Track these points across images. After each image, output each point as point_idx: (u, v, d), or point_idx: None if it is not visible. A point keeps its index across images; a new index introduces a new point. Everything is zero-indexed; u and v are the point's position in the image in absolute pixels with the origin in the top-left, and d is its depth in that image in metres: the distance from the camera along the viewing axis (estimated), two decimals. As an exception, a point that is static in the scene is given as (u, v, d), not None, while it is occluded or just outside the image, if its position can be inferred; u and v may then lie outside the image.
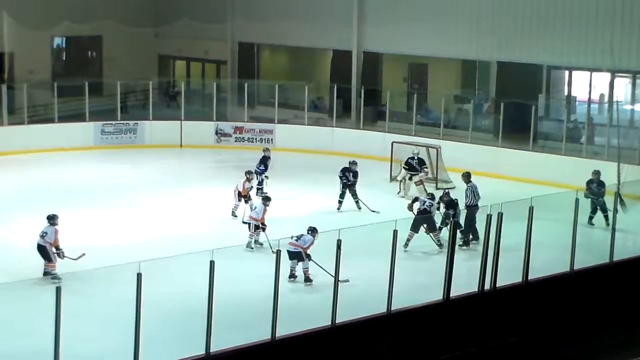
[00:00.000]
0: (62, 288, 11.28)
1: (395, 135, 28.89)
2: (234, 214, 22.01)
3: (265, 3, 36.94)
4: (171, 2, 39.87)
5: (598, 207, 21.25)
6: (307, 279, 16.92)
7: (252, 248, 19.45)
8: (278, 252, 13.16)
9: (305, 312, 14.87)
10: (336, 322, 13.71)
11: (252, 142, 32.62)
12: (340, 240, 13.54)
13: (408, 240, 18.95)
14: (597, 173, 21.81)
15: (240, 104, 34.58)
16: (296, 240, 17.10)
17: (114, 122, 32.23)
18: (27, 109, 31.17)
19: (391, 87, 33.53)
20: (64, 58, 39.86)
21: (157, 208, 23.23)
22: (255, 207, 20.18)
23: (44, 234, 17.50)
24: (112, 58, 38.07)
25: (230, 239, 19.40)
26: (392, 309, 14.29)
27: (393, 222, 14.46)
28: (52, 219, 17.71)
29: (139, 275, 11.85)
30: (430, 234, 19.54)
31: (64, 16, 36.26)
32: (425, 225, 19.48)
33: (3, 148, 29.00)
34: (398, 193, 25.27)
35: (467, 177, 20.90)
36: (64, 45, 39.31)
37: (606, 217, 20.81)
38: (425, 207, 19.80)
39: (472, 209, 19.72)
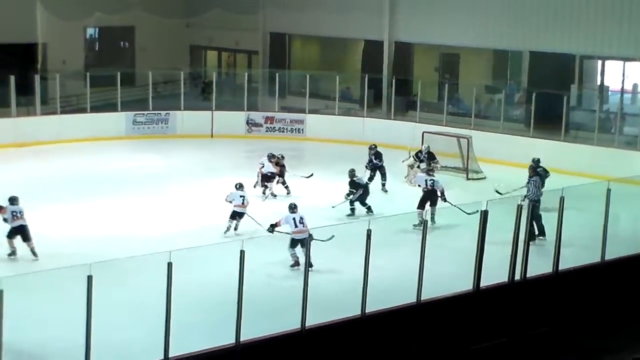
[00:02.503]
0: (94, 278, 11.35)
1: (426, 126, 28.80)
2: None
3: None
4: (203, -8, 40.00)
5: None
6: (311, 264, 15.82)
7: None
8: (308, 240, 13.14)
9: (335, 302, 14.85)
10: (366, 311, 13.71)
11: (282, 132, 32.65)
12: (370, 230, 13.53)
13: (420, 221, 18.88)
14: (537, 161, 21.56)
15: (271, 94, 34.60)
16: (302, 225, 17.15)
17: (145, 112, 32.39)
18: (59, 99, 31.43)
19: (422, 77, 33.40)
20: (97, 48, 40.08)
21: (188, 198, 23.30)
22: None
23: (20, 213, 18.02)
24: (144, 48, 38.24)
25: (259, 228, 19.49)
26: (421, 298, 14.28)
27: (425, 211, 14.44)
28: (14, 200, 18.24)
29: (169, 265, 11.90)
30: (431, 207, 20.40)
31: (97, 7, 36.46)
32: (430, 201, 20.46)
33: (36, 138, 29.25)
34: (405, 177, 25.42)
35: (532, 169, 20.37)
36: (96, 36, 39.54)
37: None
38: (430, 186, 20.62)
39: (534, 203, 18.56)
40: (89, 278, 11.38)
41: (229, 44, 39.68)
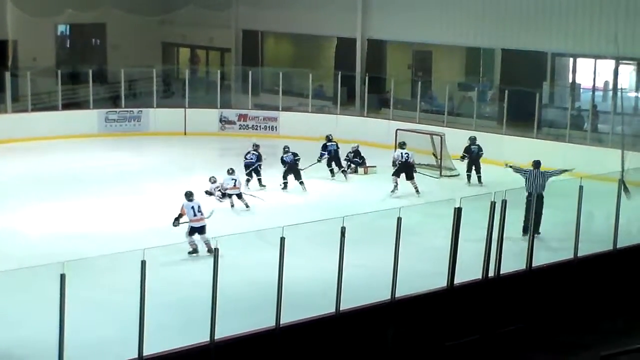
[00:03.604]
0: (67, 275, 11.31)
1: (400, 123, 28.89)
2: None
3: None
4: (175, -11, 39.84)
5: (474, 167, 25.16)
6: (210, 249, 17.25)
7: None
8: (282, 240, 13.14)
9: (310, 299, 14.87)
10: (340, 309, 13.74)
11: (256, 129, 32.66)
12: (344, 227, 13.55)
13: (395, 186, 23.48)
14: (473, 139, 25.46)
15: (244, 92, 34.55)
16: (200, 214, 18.22)
17: (118, 110, 32.34)
18: (30, 96, 31.29)
19: (395, 74, 33.52)
20: (68, 45, 39.84)
21: (161, 196, 23.24)
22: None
23: None
24: (116, 45, 38.06)
25: (233, 227, 19.48)
26: (396, 296, 14.32)
27: (397, 209, 14.46)
28: None
29: (143, 263, 11.87)
30: (409, 181, 23.53)
31: (68, 4, 36.18)
32: (405, 174, 23.50)
33: (7, 136, 29.09)
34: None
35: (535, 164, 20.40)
36: (67, 33, 39.30)
37: (479, 177, 25.21)
38: (405, 158, 23.57)
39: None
40: (62, 277, 11.34)
41: (201, 41, 39.57)
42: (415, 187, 23.64)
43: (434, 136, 27.11)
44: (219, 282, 12.49)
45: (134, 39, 37.78)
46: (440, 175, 26.11)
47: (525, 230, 18.15)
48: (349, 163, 26.63)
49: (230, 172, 22.25)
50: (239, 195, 22.15)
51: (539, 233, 18.52)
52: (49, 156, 27.83)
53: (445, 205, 16.23)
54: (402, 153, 23.90)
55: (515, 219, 17.95)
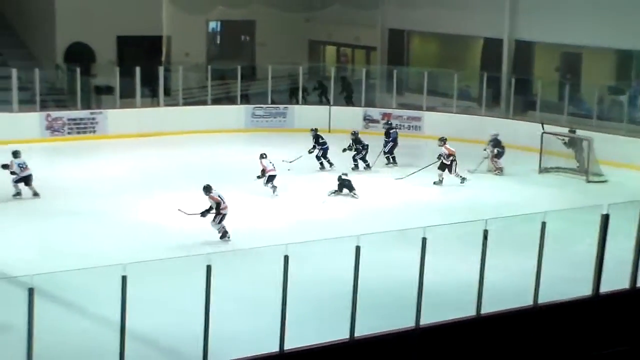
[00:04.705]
0: (212, 267, 11.51)
1: (546, 126, 28.28)
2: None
3: (416, -12, 36.82)
4: (323, -13, 40.15)
5: None
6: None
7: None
8: (424, 240, 13.04)
9: (450, 301, 14.72)
10: (481, 312, 13.56)
11: (399, 129, 32.48)
12: (487, 230, 13.38)
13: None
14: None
15: (388, 91, 34.53)
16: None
17: (264, 106, 32.77)
18: (182, 91, 32.07)
19: (543, 76, 32.88)
20: (218, 42, 40.62)
21: (301, 192, 23.43)
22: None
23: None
24: (264, 42, 38.60)
25: (374, 224, 19.52)
26: (538, 302, 14.05)
27: (542, 214, 14.18)
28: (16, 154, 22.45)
29: (285, 258, 11.98)
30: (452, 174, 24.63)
31: (220, 1, 36.93)
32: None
33: (158, 128, 29.86)
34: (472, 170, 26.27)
35: None
36: (218, 29, 40.05)
37: None
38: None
39: None
40: (208, 268, 11.54)
41: (347, 39, 39.73)
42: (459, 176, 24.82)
43: (583, 141, 26.44)
44: (360, 279, 12.50)
45: (281, 37, 38.24)
46: (588, 180, 25.47)
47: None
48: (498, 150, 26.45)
49: (264, 156, 23.32)
50: (274, 177, 23.16)
51: None
52: (196, 149, 28.42)
53: (591, 211, 15.84)
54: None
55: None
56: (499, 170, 26.30)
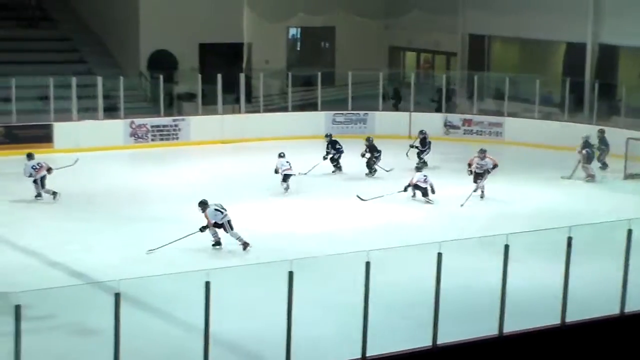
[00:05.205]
0: (295, 273, 11.55)
1: (631, 132, 27.77)
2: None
3: (497, -8, 36.52)
4: (403, -7, 40.05)
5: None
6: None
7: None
8: (506, 248, 12.92)
9: (534, 309, 14.56)
10: (566, 321, 13.38)
11: (480, 134, 32.33)
12: (571, 237, 13.19)
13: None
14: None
15: (469, 96, 34.29)
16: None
17: (345, 112, 32.86)
18: (263, 97, 32.31)
19: (628, 81, 32.27)
20: (298, 48, 40.80)
21: (382, 198, 23.38)
22: None
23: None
24: (344, 49, 38.66)
25: (457, 231, 19.40)
26: (625, 310, 13.81)
27: (626, 221, 13.93)
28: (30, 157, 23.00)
29: (367, 264, 11.97)
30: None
31: (300, 8, 37.12)
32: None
33: (239, 135, 30.13)
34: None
35: None
36: (298, 36, 40.23)
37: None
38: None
39: None
40: (290, 274, 11.59)
41: (427, 45, 39.57)
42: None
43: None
44: (442, 285, 12.43)
45: (361, 43, 38.27)
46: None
47: None
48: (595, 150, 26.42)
49: (282, 155, 24.11)
50: (289, 177, 24.00)
51: None
52: (274, 156, 28.50)
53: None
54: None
55: None
56: (590, 177, 25.79)
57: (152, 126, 30.62)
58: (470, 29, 37.81)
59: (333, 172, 26.76)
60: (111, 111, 30.67)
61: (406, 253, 16.12)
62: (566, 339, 13.42)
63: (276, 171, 24.05)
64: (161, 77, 31.21)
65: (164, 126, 30.83)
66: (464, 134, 32.44)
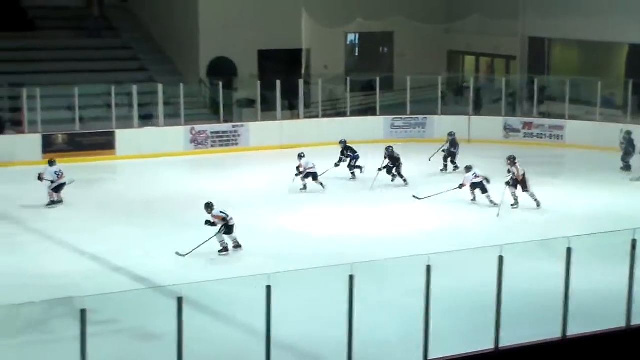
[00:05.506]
0: (356, 277, 11.55)
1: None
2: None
3: (557, -4, 36.14)
4: (462, -2, 39.84)
5: None
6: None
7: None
8: (568, 251, 12.77)
9: (597, 312, 14.38)
10: (631, 323, 13.18)
11: (541, 138, 32.05)
12: (635, 240, 13.01)
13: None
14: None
15: (529, 100, 34.00)
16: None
17: (403, 117, 32.81)
18: (321, 102, 32.39)
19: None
20: (357, 53, 40.77)
21: (441, 201, 23.29)
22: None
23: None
24: (403, 53, 38.56)
25: (514, 234, 19.26)
26: None
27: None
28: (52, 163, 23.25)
29: (428, 268, 11.93)
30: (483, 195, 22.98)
31: (358, 13, 37.09)
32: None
33: (299, 140, 30.07)
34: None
35: None
36: (356, 41, 40.20)
37: None
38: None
39: None
40: (351, 277, 11.60)
41: (487, 49, 39.28)
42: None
43: None
44: (503, 288, 12.35)
45: (420, 47, 38.14)
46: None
47: None
48: None
49: (302, 155, 24.86)
50: (315, 177, 24.72)
51: None
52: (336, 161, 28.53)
53: None
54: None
55: None
56: None
57: (212, 132, 30.85)
58: (530, 32, 37.45)
59: (350, 179, 26.52)
60: (172, 118, 30.91)
61: (467, 256, 16.04)
62: (631, 341, 13.23)
63: (299, 172, 24.55)
64: (221, 84, 31.41)
65: (223, 132, 31.05)
66: (524, 137, 32.15)
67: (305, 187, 24.66)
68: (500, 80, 34.58)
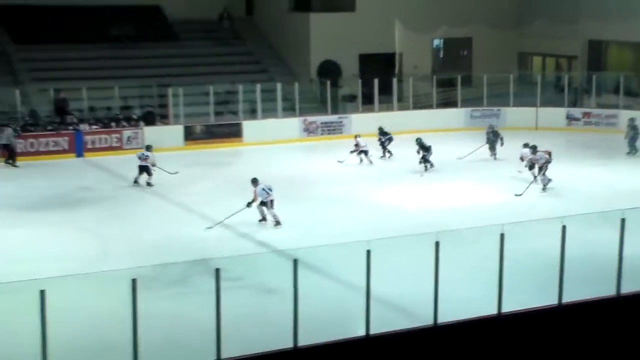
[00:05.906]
0: (440, 242, 11.42)
1: None
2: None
3: (613, 2, 34.86)
4: (530, 5, 38.79)
5: None
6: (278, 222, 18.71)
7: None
8: (622, 221, 12.39)
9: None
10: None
11: (597, 125, 31.26)
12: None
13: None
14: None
15: (588, 93, 33.12)
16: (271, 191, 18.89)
17: (480, 108, 32.35)
18: (412, 97, 32.27)
19: None
20: (441, 56, 40.26)
21: (513, 179, 22.86)
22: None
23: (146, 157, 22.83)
24: (480, 55, 37.94)
25: (579, 205, 18.80)
26: None
27: None
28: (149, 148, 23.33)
29: (501, 236, 11.75)
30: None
31: (443, 21, 36.63)
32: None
33: (393, 129, 29.80)
34: None
35: None
36: (441, 46, 39.70)
37: None
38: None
39: None
40: (437, 244, 11.49)
41: (552, 50, 38.31)
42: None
43: None
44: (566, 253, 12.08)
45: (494, 50, 37.44)
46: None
47: None
48: None
49: (359, 136, 26.20)
50: (366, 154, 25.66)
51: None
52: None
53: None
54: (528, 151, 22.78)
55: None
56: None
57: (321, 123, 30.96)
58: (589, 34, 36.35)
59: (381, 157, 26.73)
60: (288, 111, 31.16)
61: (533, 226, 15.74)
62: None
63: (355, 149, 25.57)
64: (328, 82, 31.55)
65: (330, 122, 31.13)
66: (584, 125, 31.36)
67: (361, 160, 25.81)
68: (563, 76, 33.74)
